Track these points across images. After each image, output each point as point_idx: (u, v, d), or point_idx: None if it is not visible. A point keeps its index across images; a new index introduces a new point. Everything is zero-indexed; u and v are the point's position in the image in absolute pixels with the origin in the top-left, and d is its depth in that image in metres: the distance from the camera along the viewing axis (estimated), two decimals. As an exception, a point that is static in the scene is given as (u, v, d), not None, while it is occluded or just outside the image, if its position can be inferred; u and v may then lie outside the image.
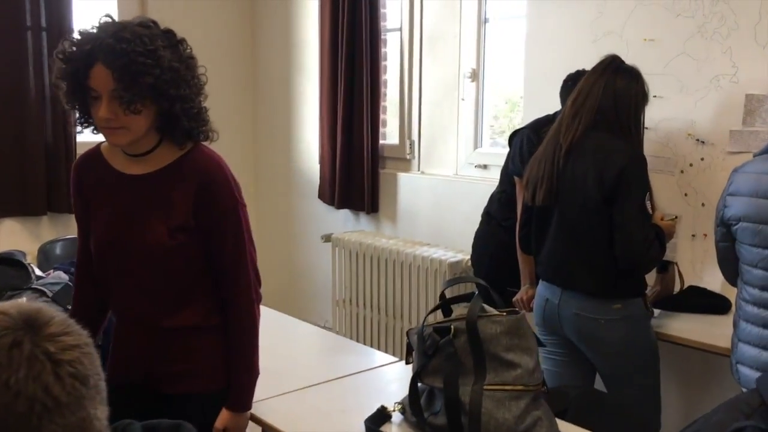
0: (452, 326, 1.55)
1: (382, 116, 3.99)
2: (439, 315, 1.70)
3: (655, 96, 2.71)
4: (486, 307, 1.58)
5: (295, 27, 4.42)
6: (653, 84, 2.70)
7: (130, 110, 1.44)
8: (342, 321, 3.86)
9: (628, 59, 2.75)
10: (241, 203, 1.60)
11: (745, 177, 1.83)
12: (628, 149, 2.11)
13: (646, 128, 2.73)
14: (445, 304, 1.69)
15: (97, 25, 1.48)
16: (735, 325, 1.91)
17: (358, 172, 3.90)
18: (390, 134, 4.05)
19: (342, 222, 4.18)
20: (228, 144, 4.64)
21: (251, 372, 1.63)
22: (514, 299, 2.63)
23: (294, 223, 4.57)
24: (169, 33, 1.54)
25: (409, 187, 3.83)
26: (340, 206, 4.03)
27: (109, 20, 1.50)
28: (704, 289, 2.54)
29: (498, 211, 2.84)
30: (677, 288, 2.58)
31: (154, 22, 1.54)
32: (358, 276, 3.72)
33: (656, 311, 2.46)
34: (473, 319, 1.52)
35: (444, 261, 3.26)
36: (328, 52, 3.98)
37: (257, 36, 4.71)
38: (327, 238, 3.90)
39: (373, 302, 3.65)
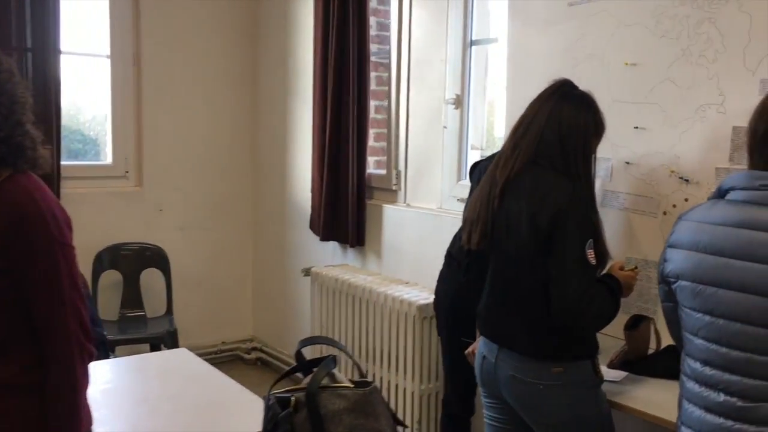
0: (293, 398, 1.30)
1: (370, 144, 3.78)
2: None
3: (636, 127, 2.43)
4: (338, 375, 1.33)
5: (293, 50, 4.29)
6: (635, 113, 2.42)
7: None
8: (318, 361, 3.62)
9: (610, 85, 2.48)
10: (60, 242, 1.38)
11: (687, 226, 1.51)
12: (567, 189, 1.81)
13: (628, 163, 2.43)
14: (303, 368, 1.44)
15: None
16: (678, 404, 1.58)
17: (344, 203, 3.69)
18: (378, 164, 3.83)
19: (330, 255, 3.97)
20: (227, 168, 4.64)
21: None
22: (466, 352, 2.34)
23: (287, 255, 4.40)
24: None
25: (395, 221, 3.59)
26: (325, 238, 3.82)
27: None
28: (685, 351, 2.19)
29: (459, 251, 2.56)
30: (653, 348, 2.24)
31: None
32: (332, 313, 3.49)
33: (621, 375, 2.13)
34: (313, 391, 1.27)
35: (413, 303, 2.99)
36: (319, 78, 3.81)
37: (258, 59, 4.60)
38: (307, 272, 3.69)
39: (346, 343, 3.40)
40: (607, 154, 2.50)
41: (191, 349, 4.33)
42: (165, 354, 2.61)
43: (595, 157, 1.96)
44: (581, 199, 1.83)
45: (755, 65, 2.11)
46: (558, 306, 1.78)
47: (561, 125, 1.89)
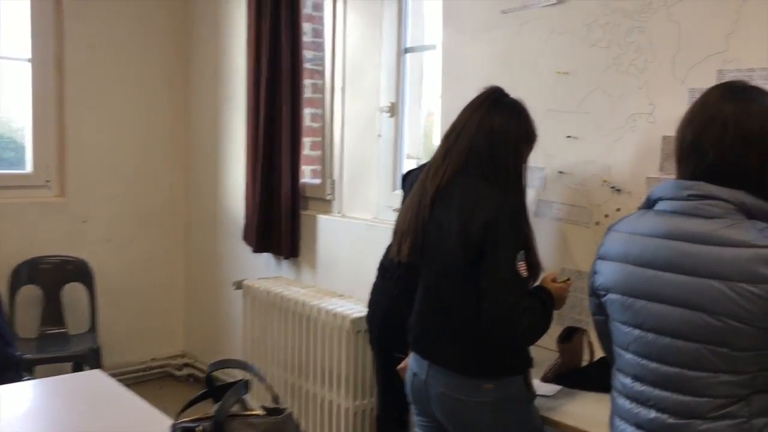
0: (200, 428, 1.19)
1: (306, 153, 3.68)
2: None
3: (569, 136, 2.40)
4: (250, 402, 1.23)
5: (226, 55, 4.16)
6: (568, 122, 2.39)
7: None
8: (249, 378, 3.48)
9: (543, 93, 2.45)
10: None
11: (616, 237, 1.47)
12: (498, 199, 1.76)
13: (561, 172, 2.40)
14: (214, 394, 1.34)
15: None
16: (609, 421, 1.53)
17: (277, 213, 3.58)
18: (314, 173, 3.73)
19: (264, 267, 3.85)
20: (157, 177, 4.47)
21: None
22: (398, 367, 2.26)
23: (220, 267, 4.25)
24: None
25: (330, 231, 3.50)
26: (258, 250, 3.69)
27: None
28: (618, 362, 2.16)
29: (391, 264, 2.48)
30: (587, 360, 2.21)
31: None
32: (264, 327, 3.36)
33: (555, 388, 2.08)
34: (221, 420, 1.16)
35: (347, 316, 2.90)
36: (252, 84, 3.70)
37: (189, 63, 4.45)
38: (238, 285, 3.55)
39: (278, 358, 3.28)
40: (541, 163, 2.47)
41: (118, 366, 4.17)
42: (77, 376, 2.44)
43: (526, 167, 1.92)
44: (512, 209, 1.77)
45: (684, 74, 2.10)
46: (489, 320, 1.72)
47: (491, 134, 1.84)
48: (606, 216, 2.30)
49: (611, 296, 1.45)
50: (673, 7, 2.11)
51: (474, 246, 1.73)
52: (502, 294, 1.70)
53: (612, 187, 2.29)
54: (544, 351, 2.23)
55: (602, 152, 2.32)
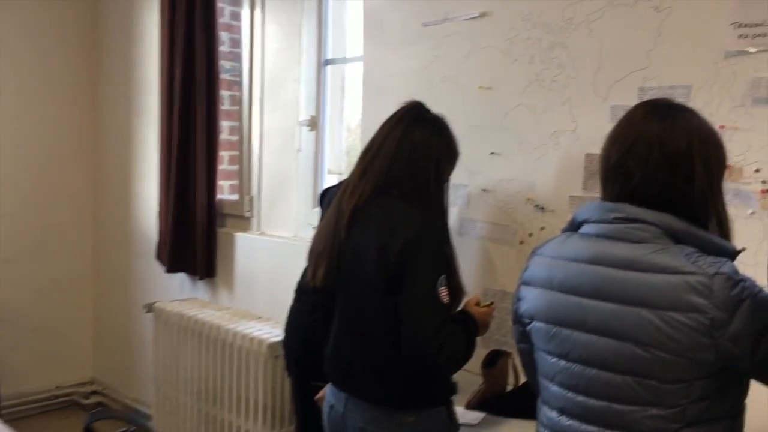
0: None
1: (223, 168, 3.51)
2: None
3: (492, 153, 2.33)
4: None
5: (139, 62, 3.94)
6: (491, 138, 2.33)
7: None
8: (161, 407, 3.27)
9: (465, 109, 2.38)
10: None
11: (540, 261, 1.39)
12: (417, 219, 1.66)
13: (485, 190, 2.33)
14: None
15: None
16: (535, 457, 1.45)
17: (192, 231, 3.39)
18: (233, 188, 3.56)
19: (179, 288, 3.64)
20: (63, 192, 4.17)
21: None
22: (316, 397, 2.12)
23: (132, 288, 4.00)
24: None
25: (248, 250, 3.34)
26: (172, 270, 3.49)
27: None
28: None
29: (308, 287, 2.35)
30: (512, 384, 2.14)
31: None
32: (176, 353, 3.16)
33: (479, 416, 2.00)
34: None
35: (264, 341, 2.74)
36: (166, 95, 3.51)
37: (99, 70, 4.20)
38: (149, 308, 3.33)
39: (192, 386, 3.08)
40: (464, 180, 2.40)
41: (19, 396, 3.86)
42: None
43: (448, 185, 1.83)
44: (433, 230, 1.67)
45: (606, 91, 2.07)
46: (408, 348, 1.61)
47: (412, 151, 1.74)
48: (530, 235, 2.25)
49: (536, 324, 1.37)
50: (594, 22, 2.08)
51: (393, 270, 1.63)
52: (421, 321, 1.59)
53: (536, 206, 2.23)
54: (469, 375, 2.14)
55: (526, 169, 2.26)
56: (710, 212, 1.28)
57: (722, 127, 1.82)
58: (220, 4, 3.59)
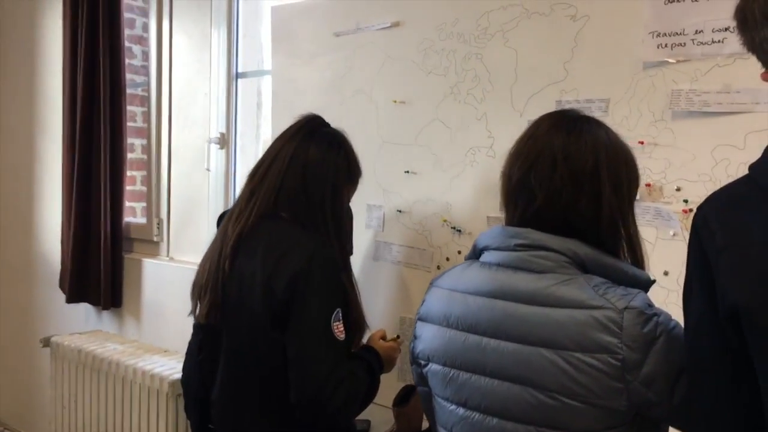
0: None
1: (132, 189, 3.27)
2: None
3: (407, 171, 2.17)
4: None
5: (41, 76, 3.66)
6: (406, 156, 2.17)
7: None
8: (58, 452, 2.98)
9: (379, 124, 2.22)
10: None
11: (438, 295, 1.23)
12: (308, 247, 1.47)
13: (400, 211, 2.17)
14: None
15: None
16: None
17: (96, 257, 3.12)
18: (143, 211, 3.32)
19: (83, 319, 3.36)
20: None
21: None
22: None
23: (32, 319, 3.68)
24: None
25: (156, 277, 3.09)
26: (73, 300, 3.20)
27: None
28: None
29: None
30: (425, 424, 1.96)
31: None
32: (75, 391, 2.88)
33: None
34: None
35: (165, 378, 2.50)
36: (68, 112, 3.25)
37: (0, 87, 3.90)
38: (45, 343, 3.05)
39: (91, 428, 2.81)
40: (379, 201, 2.24)
41: None
42: None
43: (348, 207, 1.65)
44: (328, 258, 1.49)
45: (522, 105, 1.94)
46: (297, 394, 1.42)
47: (305, 169, 1.56)
48: (447, 259, 2.09)
49: (432, 367, 1.20)
50: (509, 32, 1.95)
51: (279, 305, 1.43)
52: (311, 363, 1.40)
53: (453, 228, 2.08)
54: (384, 410, 1.96)
55: (442, 189, 2.11)
56: (621, 237, 1.13)
57: (641, 142, 1.70)
58: (130, 15, 3.38)
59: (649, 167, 1.70)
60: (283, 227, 1.52)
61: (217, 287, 1.53)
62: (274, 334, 1.45)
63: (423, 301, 1.26)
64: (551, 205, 1.11)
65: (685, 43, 1.64)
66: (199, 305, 1.58)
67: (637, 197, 1.68)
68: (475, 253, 1.23)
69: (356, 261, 2.25)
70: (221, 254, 1.54)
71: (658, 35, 1.68)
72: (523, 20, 1.92)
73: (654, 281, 1.14)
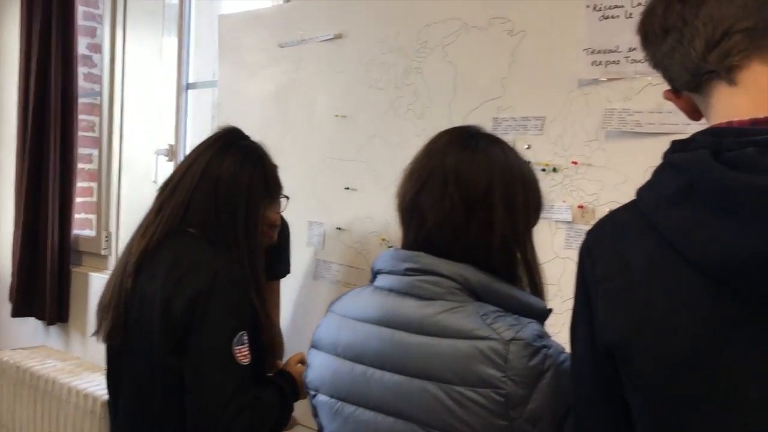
0: None
1: (83, 200, 3.19)
2: None
3: (347, 188, 2.10)
4: None
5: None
6: (347, 172, 2.11)
7: None
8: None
9: (322, 138, 2.16)
10: None
11: (330, 321, 1.15)
12: (213, 265, 1.39)
13: (340, 228, 2.10)
14: None
15: None
16: None
17: (42, 270, 3.03)
18: (95, 223, 3.23)
19: (31, 334, 3.26)
20: None
21: None
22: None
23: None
24: None
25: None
26: (17, 314, 3.11)
27: None
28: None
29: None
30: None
31: None
32: (14, 410, 2.78)
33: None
34: None
35: (99, 398, 2.41)
36: (21, 121, 3.17)
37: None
38: (-14, 359, 2.95)
39: (25, 449, 2.71)
40: (320, 218, 2.17)
41: None
42: None
43: (263, 224, 1.56)
44: (235, 277, 1.41)
45: (461, 121, 1.83)
46: (192, 424, 1.33)
47: (218, 183, 1.48)
48: (384, 280, 2.01)
49: (320, 398, 1.12)
50: (448, 46, 1.89)
51: (179, 328, 1.35)
52: (207, 391, 1.32)
53: (390, 247, 2.00)
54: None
55: (381, 207, 2.04)
56: (516, 262, 1.06)
57: (575, 162, 1.64)
58: (91, 23, 3.32)
59: (582, 188, 1.64)
60: (190, 244, 1.44)
61: (119, 306, 1.45)
62: (173, 359, 1.36)
63: (318, 326, 1.19)
64: (442, 227, 1.04)
65: (619, 61, 1.58)
66: (100, 326, 1.49)
67: (570, 219, 1.64)
68: (373, 277, 1.16)
69: (296, 279, 2.19)
70: (125, 271, 1.46)
71: (593, 52, 1.62)
72: (462, 34, 1.86)
73: (551, 310, 1.06)
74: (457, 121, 1.87)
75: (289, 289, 2.10)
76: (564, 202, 1.65)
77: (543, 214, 1.67)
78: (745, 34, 0.78)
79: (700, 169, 0.73)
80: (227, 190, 1.48)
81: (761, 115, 0.75)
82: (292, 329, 2.16)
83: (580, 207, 1.62)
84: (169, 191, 1.50)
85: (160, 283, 1.39)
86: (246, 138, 1.60)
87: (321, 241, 2.18)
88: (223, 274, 1.38)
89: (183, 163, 1.54)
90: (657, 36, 0.86)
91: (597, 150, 1.62)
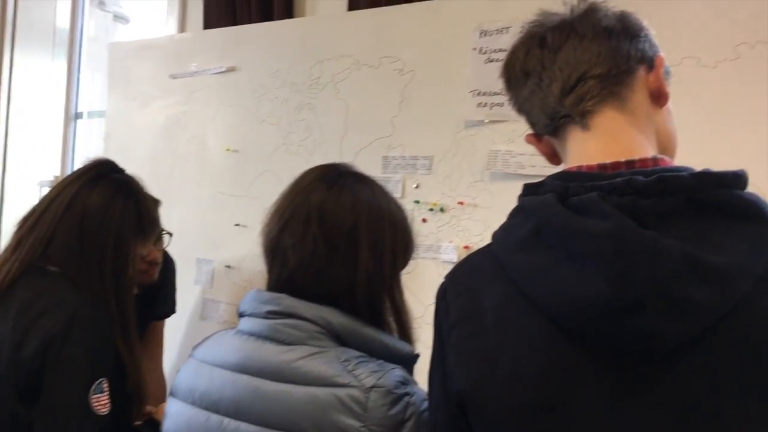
0: None
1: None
2: None
3: (237, 225, 2.03)
4: None
5: None
6: (237, 208, 2.04)
7: None
8: None
9: (212, 173, 2.09)
10: None
11: (190, 366, 1.07)
12: (71, 306, 1.28)
13: (229, 266, 2.02)
14: None
15: None
16: None
17: None
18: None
19: None
20: None
21: None
22: None
23: None
24: None
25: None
26: None
27: None
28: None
29: None
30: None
31: None
32: None
33: None
34: None
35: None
36: None
37: None
38: None
39: None
40: (209, 255, 2.09)
41: None
42: None
43: (134, 264, 1.47)
44: (96, 320, 1.30)
45: (352, 159, 1.83)
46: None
47: (84, 218, 1.38)
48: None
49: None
50: (341, 83, 1.88)
51: (28, 375, 1.23)
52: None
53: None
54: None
55: (271, 245, 1.97)
56: (382, 306, 1.02)
57: (461, 203, 1.64)
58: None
59: (468, 229, 1.64)
60: (47, 284, 1.33)
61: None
62: (21, 409, 1.24)
63: (177, 372, 1.11)
64: (304, 268, 0.99)
65: (503, 104, 1.60)
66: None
67: (455, 259, 1.62)
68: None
69: (182, 320, 2.08)
70: (-19, 314, 1.34)
71: (479, 94, 1.63)
72: (354, 71, 1.85)
73: (418, 355, 1.03)
74: (348, 159, 1.85)
75: (173, 330, 2.00)
76: (450, 242, 1.64)
77: (430, 254, 1.68)
78: (598, 79, 0.79)
79: (546, 213, 0.72)
80: (94, 225, 1.38)
81: (608, 161, 0.75)
82: (177, 373, 2.05)
83: (466, 247, 1.62)
84: (29, 226, 1.39)
85: (10, 328, 1.27)
86: (120, 171, 1.51)
87: (209, 279, 2.10)
88: (81, 316, 1.27)
89: (47, 195, 1.44)
90: (518, 80, 0.85)
91: (482, 191, 1.62)
